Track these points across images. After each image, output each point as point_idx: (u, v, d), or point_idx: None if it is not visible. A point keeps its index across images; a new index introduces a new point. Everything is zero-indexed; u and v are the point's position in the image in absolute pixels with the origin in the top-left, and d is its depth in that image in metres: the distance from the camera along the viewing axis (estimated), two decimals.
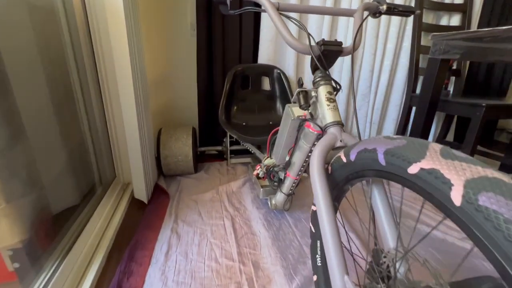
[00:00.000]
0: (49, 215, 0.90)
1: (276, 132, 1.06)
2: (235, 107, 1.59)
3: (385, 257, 0.52)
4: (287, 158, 0.91)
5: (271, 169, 1.06)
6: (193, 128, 1.57)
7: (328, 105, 0.63)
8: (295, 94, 0.67)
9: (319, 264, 0.71)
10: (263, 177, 1.19)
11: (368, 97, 1.95)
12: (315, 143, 0.75)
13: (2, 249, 0.72)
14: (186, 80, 1.74)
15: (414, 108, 1.77)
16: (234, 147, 1.70)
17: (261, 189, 1.22)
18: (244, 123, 1.57)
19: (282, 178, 0.99)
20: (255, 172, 1.15)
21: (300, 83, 0.68)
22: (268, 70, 1.61)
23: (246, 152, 1.79)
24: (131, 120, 1.12)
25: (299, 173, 0.91)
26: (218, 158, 1.88)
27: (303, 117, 0.75)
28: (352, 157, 0.50)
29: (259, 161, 1.65)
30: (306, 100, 0.65)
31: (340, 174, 0.56)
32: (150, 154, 1.34)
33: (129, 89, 1.07)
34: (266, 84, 1.67)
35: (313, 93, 0.66)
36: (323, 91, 0.65)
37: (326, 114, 0.63)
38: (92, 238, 0.98)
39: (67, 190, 1.03)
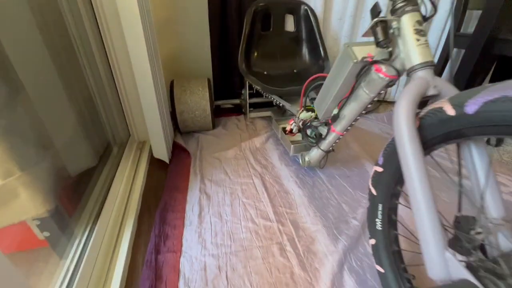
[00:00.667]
0: (69, 180, 0.83)
1: (315, 80, 0.90)
2: (255, 53, 1.40)
3: (475, 227, 0.44)
4: (335, 111, 0.78)
5: (308, 123, 0.94)
6: (208, 80, 1.40)
7: (418, 40, 0.48)
8: (369, 26, 0.51)
9: (380, 229, 0.64)
10: (292, 132, 1.08)
11: None
12: (381, 92, 0.61)
13: (28, 219, 0.65)
14: (196, 23, 1.50)
15: (455, 51, 1.55)
16: (253, 100, 1.55)
17: (292, 145, 1.12)
18: (265, 72, 1.40)
19: (324, 133, 0.88)
20: (288, 127, 1.03)
21: (377, 11, 0.51)
22: (293, 6, 1.36)
23: (266, 105, 1.65)
24: (143, 69, 0.96)
25: (348, 128, 0.79)
26: (235, 112, 1.74)
27: (369, 59, 0.60)
28: (471, 108, 0.37)
29: (281, 114, 1.52)
30: (386, 33, 0.50)
31: (436, 131, 0.44)
32: (166, 110, 1.21)
33: (137, 29, 0.89)
34: (289, 24, 1.44)
35: (393, 24, 0.50)
36: (409, 21, 0.49)
37: (414, 53, 0.48)
38: (118, 202, 0.92)
39: (82, 151, 0.93)
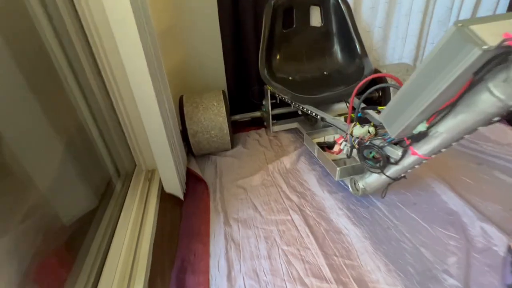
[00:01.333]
0: (58, 233, 0.62)
1: (370, 85, 0.66)
2: (277, 56, 1.17)
3: None
4: (422, 127, 0.52)
5: (367, 142, 0.69)
6: (223, 92, 1.19)
7: None
8: None
9: None
10: (333, 150, 0.83)
11: (446, 25, 1.44)
12: None
13: None
14: (205, 27, 1.29)
15: None
16: (277, 111, 1.31)
17: (338, 168, 0.87)
18: (290, 77, 1.16)
19: (395, 156, 0.63)
20: (336, 148, 0.79)
21: None
22: None
23: (290, 116, 1.41)
24: (143, 87, 0.75)
25: (442, 150, 0.54)
26: (254, 125, 1.51)
27: (510, 42, 0.35)
28: None
29: (311, 125, 1.27)
30: None
31: None
32: (176, 133, 0.99)
33: (134, 41, 0.68)
34: (315, 18, 1.20)
35: None
36: None
37: None
38: (122, 260, 0.70)
39: (76, 192, 0.73)
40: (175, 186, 0.95)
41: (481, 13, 1.47)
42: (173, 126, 0.98)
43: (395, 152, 0.63)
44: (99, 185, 0.83)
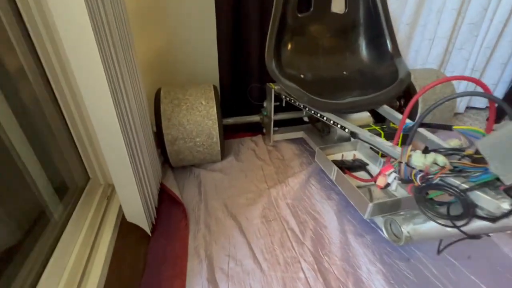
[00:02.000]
0: None
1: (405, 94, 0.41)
2: (288, 46, 0.91)
3: None
4: None
5: (436, 180, 0.45)
6: (214, 88, 0.91)
7: None
8: None
9: None
10: (378, 184, 0.59)
11: (478, 29, 1.25)
12: None
13: None
14: (196, 6, 1.01)
15: None
16: (280, 116, 1.06)
17: (370, 204, 0.63)
18: (302, 75, 0.91)
19: (498, 210, 0.39)
20: (381, 182, 0.54)
21: None
22: None
23: (293, 122, 1.16)
24: (91, 74, 0.47)
25: None
26: (249, 130, 1.25)
27: None
28: None
29: (321, 136, 1.03)
30: None
31: None
32: (146, 139, 0.71)
33: (79, 15, 0.40)
34: (338, 2, 0.95)
35: None
36: None
37: None
38: None
39: None
40: (138, 214, 0.67)
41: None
42: (142, 129, 0.70)
43: (495, 204, 0.39)
44: (24, 212, 0.54)
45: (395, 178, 0.54)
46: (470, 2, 1.19)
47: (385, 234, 0.65)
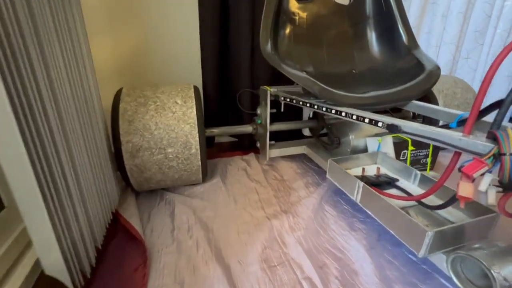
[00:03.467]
0: None
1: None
2: (287, 34, 0.74)
3: None
4: None
5: None
6: (195, 89, 0.71)
7: None
8: None
9: None
10: (462, 195, 0.38)
11: (484, 35, 1.16)
12: None
13: None
14: None
15: None
16: (277, 126, 0.86)
17: (429, 233, 0.41)
18: (305, 71, 0.73)
19: None
20: (465, 191, 0.33)
21: None
22: None
23: (292, 136, 0.96)
24: None
25: None
26: (238, 148, 1.03)
27: None
28: None
29: (327, 150, 0.83)
30: None
31: None
32: (94, 160, 0.48)
33: None
34: None
35: None
36: None
37: None
38: None
39: None
40: (58, 265, 0.41)
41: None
42: (88, 146, 0.47)
43: None
44: None
45: (490, 182, 0.32)
46: (474, 8, 1.12)
47: (457, 282, 0.42)
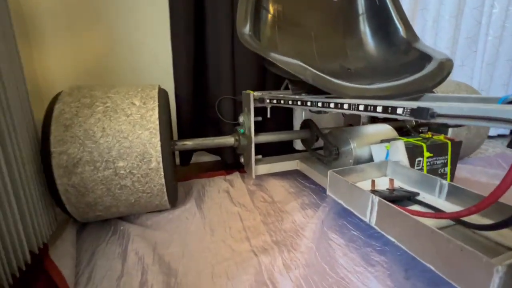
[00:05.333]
0: None
1: None
2: (269, 26, 0.64)
3: None
4: None
5: None
6: (161, 91, 0.58)
7: None
8: None
9: None
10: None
11: (476, 43, 1.12)
12: None
13: None
14: None
15: None
16: (264, 137, 0.72)
17: (499, 268, 0.25)
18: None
19: None
20: None
21: None
22: None
23: (283, 148, 0.83)
24: None
25: None
26: (219, 167, 0.88)
27: None
28: None
29: (325, 161, 0.69)
30: None
31: None
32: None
33: None
34: None
35: None
36: None
37: None
38: None
39: None
40: None
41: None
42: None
43: None
44: None
45: None
46: (463, 14, 1.08)
47: None
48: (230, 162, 0.86)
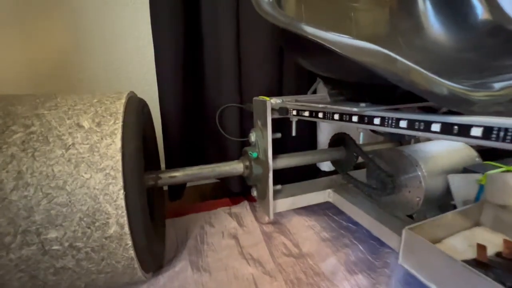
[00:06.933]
0: None
1: None
2: (294, 2, 0.44)
3: None
4: None
5: None
6: (133, 102, 0.37)
7: None
8: None
9: None
10: None
11: None
12: None
13: None
14: None
15: None
16: (286, 161, 0.51)
17: None
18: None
19: None
20: None
21: None
22: None
23: (304, 173, 0.62)
24: None
25: None
26: (222, 192, 0.68)
27: None
28: None
29: (368, 195, 0.49)
30: None
31: None
32: None
33: None
34: None
35: None
36: None
37: None
38: None
39: None
40: None
41: None
42: None
43: None
44: None
45: None
46: None
47: None
48: (236, 186, 0.65)
